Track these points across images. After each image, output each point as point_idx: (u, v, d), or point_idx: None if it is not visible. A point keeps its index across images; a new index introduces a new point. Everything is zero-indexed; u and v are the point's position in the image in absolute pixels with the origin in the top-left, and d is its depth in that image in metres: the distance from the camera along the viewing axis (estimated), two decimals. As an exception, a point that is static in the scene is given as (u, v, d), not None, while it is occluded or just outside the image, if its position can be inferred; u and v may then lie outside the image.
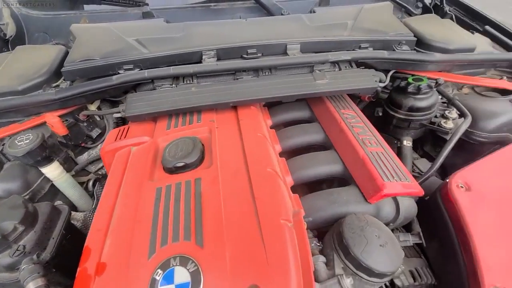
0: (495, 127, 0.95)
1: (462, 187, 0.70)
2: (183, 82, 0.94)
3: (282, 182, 0.76)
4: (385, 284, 0.72)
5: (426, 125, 0.96)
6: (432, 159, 1.07)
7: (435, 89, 0.98)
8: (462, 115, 0.95)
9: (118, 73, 0.95)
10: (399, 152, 1.00)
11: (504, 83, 1.04)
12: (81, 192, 1.01)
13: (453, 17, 1.43)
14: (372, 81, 0.94)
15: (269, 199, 0.66)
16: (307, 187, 0.92)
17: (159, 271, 0.54)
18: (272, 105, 1.10)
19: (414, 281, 0.72)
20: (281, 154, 0.92)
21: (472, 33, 1.29)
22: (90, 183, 1.09)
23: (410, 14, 1.46)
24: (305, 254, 0.59)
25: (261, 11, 1.31)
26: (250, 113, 0.93)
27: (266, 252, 0.56)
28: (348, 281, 0.56)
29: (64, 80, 0.99)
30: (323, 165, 0.84)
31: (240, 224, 0.61)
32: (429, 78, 1.04)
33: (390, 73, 1.06)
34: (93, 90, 0.89)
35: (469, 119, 0.92)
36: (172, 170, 0.75)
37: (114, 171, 0.81)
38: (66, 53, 1.04)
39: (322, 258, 0.62)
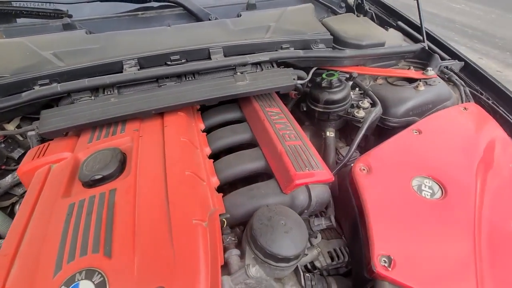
0: (403, 112, 1.06)
1: (364, 169, 0.77)
2: (104, 93, 0.93)
3: (204, 183, 0.78)
4: (306, 267, 0.78)
5: (343, 115, 1.04)
6: (358, 147, 1.16)
7: (349, 82, 1.07)
8: (373, 104, 1.05)
9: (33, 89, 0.91)
10: (324, 142, 1.07)
11: (410, 73, 1.16)
12: (3, 217, 0.95)
13: (373, 14, 1.57)
14: (290, 79, 1.00)
15: (184, 202, 0.67)
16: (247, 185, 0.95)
17: None
18: (206, 109, 1.12)
19: (332, 261, 0.78)
20: (214, 156, 0.95)
21: (387, 29, 1.42)
22: (17, 207, 1.03)
23: (335, 13, 1.56)
24: (215, 250, 0.61)
25: (191, 17, 1.32)
26: (176, 119, 0.95)
27: (175, 253, 0.58)
28: (253, 270, 0.59)
29: (-29, 101, 0.92)
30: (247, 163, 0.88)
31: (152, 230, 0.62)
32: (345, 72, 1.13)
33: (312, 70, 1.14)
34: (-1, 109, 0.84)
35: (378, 107, 1.02)
36: (90, 184, 0.74)
37: (30, 191, 0.78)
38: (-27, 72, 0.97)
39: (235, 252, 0.65)
